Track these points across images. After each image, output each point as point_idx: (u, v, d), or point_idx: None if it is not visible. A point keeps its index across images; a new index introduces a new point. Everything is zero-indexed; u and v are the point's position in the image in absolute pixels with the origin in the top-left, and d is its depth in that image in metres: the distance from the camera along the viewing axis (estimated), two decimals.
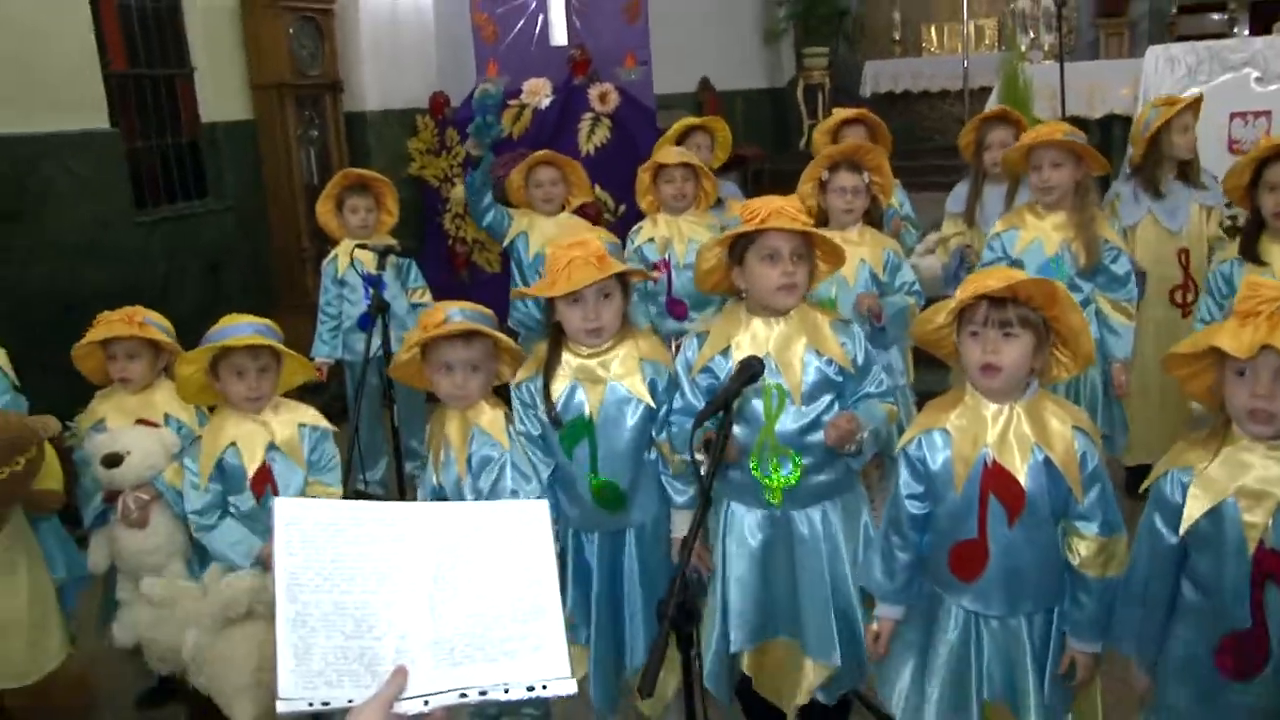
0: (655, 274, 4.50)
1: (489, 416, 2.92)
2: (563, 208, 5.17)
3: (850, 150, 4.09)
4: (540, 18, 7.24)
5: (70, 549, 3.53)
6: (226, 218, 6.80)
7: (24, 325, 5.03)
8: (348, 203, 5.04)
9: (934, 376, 5.03)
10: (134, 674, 3.73)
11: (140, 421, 3.43)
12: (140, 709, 3.74)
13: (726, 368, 2.80)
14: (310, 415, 3.33)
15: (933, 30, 11.82)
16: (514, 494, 2.85)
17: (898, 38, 11.82)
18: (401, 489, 4.21)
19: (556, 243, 2.94)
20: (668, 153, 4.75)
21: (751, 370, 2.39)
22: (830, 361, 2.79)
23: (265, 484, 3.20)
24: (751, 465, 2.80)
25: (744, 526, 2.88)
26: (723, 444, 2.26)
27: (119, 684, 3.81)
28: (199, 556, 3.36)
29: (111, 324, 3.42)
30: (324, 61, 7.06)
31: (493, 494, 2.86)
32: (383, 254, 3.96)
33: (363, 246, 4.13)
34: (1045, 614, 2.51)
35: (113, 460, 3.27)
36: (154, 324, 3.46)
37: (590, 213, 5.63)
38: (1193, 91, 4.89)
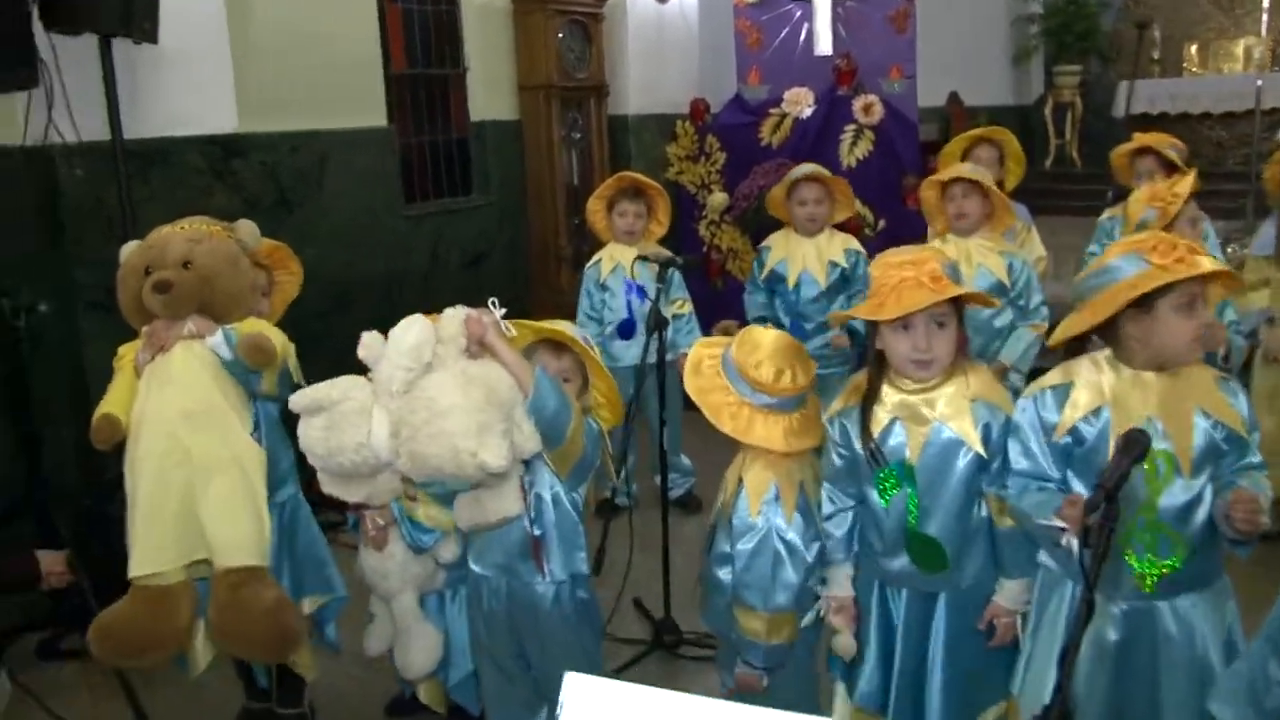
0: (997, 300, 3.71)
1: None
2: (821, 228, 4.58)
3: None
4: (805, 26, 6.62)
5: (326, 571, 3.16)
6: (489, 213, 6.51)
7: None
8: (618, 206, 4.60)
9: None
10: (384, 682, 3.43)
11: None
12: (389, 716, 3.43)
13: (1093, 432, 2.22)
14: None
15: (1193, 49, 10.61)
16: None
17: (1157, 56, 10.64)
18: (665, 509, 3.78)
19: (885, 260, 2.41)
20: (955, 168, 4.14)
21: (1140, 446, 1.82)
22: (1218, 425, 2.18)
23: None
24: (1123, 548, 2.19)
25: (1098, 620, 2.25)
26: (1108, 538, 1.73)
27: (371, 689, 3.51)
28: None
29: None
30: (590, 65, 6.67)
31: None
32: (664, 265, 3.49)
33: (643, 258, 3.65)
34: None
35: None
36: None
37: (850, 228, 5.02)
38: None
